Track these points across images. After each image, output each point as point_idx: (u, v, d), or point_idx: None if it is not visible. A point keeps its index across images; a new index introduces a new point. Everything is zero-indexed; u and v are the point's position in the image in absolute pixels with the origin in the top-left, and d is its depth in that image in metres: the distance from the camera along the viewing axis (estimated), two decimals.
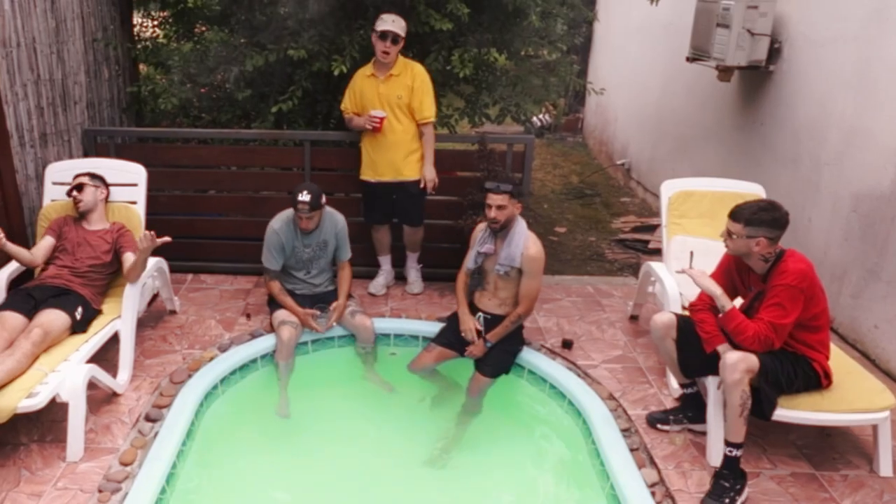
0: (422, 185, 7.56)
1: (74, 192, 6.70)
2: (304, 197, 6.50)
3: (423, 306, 7.97)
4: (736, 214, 5.23)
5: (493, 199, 6.17)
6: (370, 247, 8.19)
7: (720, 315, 5.30)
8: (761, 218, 5.15)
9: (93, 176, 6.87)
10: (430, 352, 6.73)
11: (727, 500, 5.06)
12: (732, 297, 5.56)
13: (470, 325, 6.55)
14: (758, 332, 5.11)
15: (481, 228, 6.58)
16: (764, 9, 8.38)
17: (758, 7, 8.36)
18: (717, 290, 5.31)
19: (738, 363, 5.07)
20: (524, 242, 6.28)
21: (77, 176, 6.83)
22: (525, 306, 6.43)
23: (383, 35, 7.21)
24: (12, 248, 6.25)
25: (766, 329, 5.11)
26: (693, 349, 5.65)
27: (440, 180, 7.77)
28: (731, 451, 5.16)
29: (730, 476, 5.14)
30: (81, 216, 6.74)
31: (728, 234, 5.30)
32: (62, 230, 6.67)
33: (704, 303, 5.59)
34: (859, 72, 7.33)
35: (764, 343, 5.12)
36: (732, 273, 5.62)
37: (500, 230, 6.32)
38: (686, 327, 5.74)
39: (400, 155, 7.57)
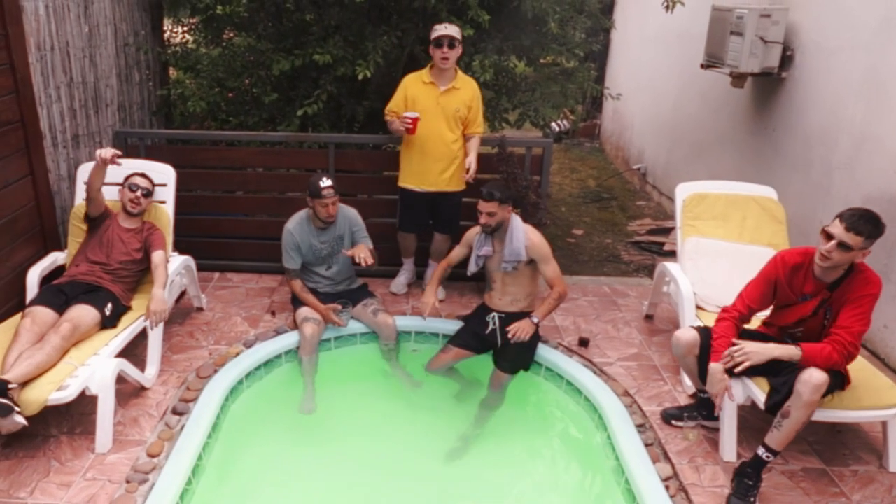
0: (468, 172, 7.38)
1: (139, 194, 6.66)
2: (327, 182, 6.53)
3: (444, 305, 7.92)
4: (859, 225, 4.86)
5: (483, 206, 6.24)
6: (394, 247, 8.13)
7: (801, 358, 5.01)
8: (879, 231, 4.96)
9: (150, 180, 6.82)
10: (447, 353, 6.70)
11: (752, 499, 5.03)
12: (769, 304, 5.52)
13: (430, 300, 6.69)
14: (842, 353, 4.96)
15: (476, 232, 6.59)
16: (776, 17, 8.34)
17: (770, 16, 8.33)
18: (787, 352, 5.07)
19: (821, 386, 4.87)
20: (524, 235, 6.33)
21: (139, 175, 6.78)
22: (558, 287, 6.44)
23: (438, 42, 7.07)
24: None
25: (846, 344, 4.96)
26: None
27: (463, 191, 7.75)
28: (767, 456, 5.07)
29: (753, 475, 5.10)
30: (126, 214, 6.70)
31: (840, 247, 4.89)
32: (109, 214, 6.66)
33: (735, 314, 5.44)
34: (869, 79, 7.29)
35: (849, 358, 5.04)
36: (779, 281, 5.36)
37: (495, 231, 6.36)
38: (708, 343, 5.49)
39: (449, 166, 7.45)
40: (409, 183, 7.64)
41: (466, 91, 7.36)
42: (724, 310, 5.54)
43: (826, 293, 5.17)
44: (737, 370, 5.03)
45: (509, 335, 6.38)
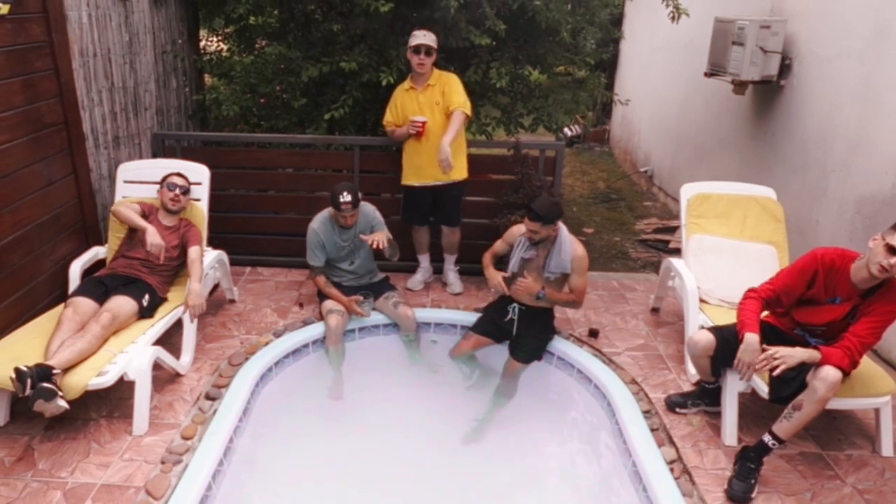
0: (442, 161, 7.13)
1: (178, 192, 6.67)
2: (346, 198, 6.47)
3: (462, 298, 7.92)
4: None
5: (528, 224, 6.12)
6: (409, 244, 8.10)
7: (819, 361, 4.87)
8: None
9: (188, 180, 6.84)
10: (469, 339, 6.70)
11: (752, 481, 5.00)
12: (797, 297, 5.25)
13: (497, 279, 6.43)
14: (851, 360, 4.90)
15: (520, 231, 6.44)
16: (776, 28, 8.35)
17: (770, 27, 8.34)
18: (811, 355, 4.87)
19: (836, 384, 4.80)
20: (571, 248, 6.25)
21: (177, 175, 6.80)
22: (578, 297, 6.40)
23: (416, 49, 7.14)
24: (132, 216, 6.37)
25: (855, 353, 4.90)
26: (725, 360, 5.45)
27: (478, 182, 7.81)
28: (773, 444, 5.04)
29: (755, 459, 5.07)
30: (167, 212, 6.71)
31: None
32: (149, 215, 6.61)
33: (763, 297, 5.26)
34: (864, 86, 7.26)
35: (854, 365, 4.99)
36: (817, 277, 5.09)
37: (540, 243, 6.28)
38: (724, 344, 5.45)
39: (436, 160, 7.31)
40: (409, 180, 7.67)
41: (439, 83, 7.36)
42: (752, 290, 5.34)
43: (858, 299, 5.01)
44: (774, 373, 4.88)
45: (515, 285, 6.36)
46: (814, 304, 5.23)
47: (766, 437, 5.06)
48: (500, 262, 6.71)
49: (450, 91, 7.29)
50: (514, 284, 6.33)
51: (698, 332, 5.77)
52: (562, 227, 6.30)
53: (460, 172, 7.56)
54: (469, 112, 7.30)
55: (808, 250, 5.21)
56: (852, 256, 5.00)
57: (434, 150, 7.22)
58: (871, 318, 4.92)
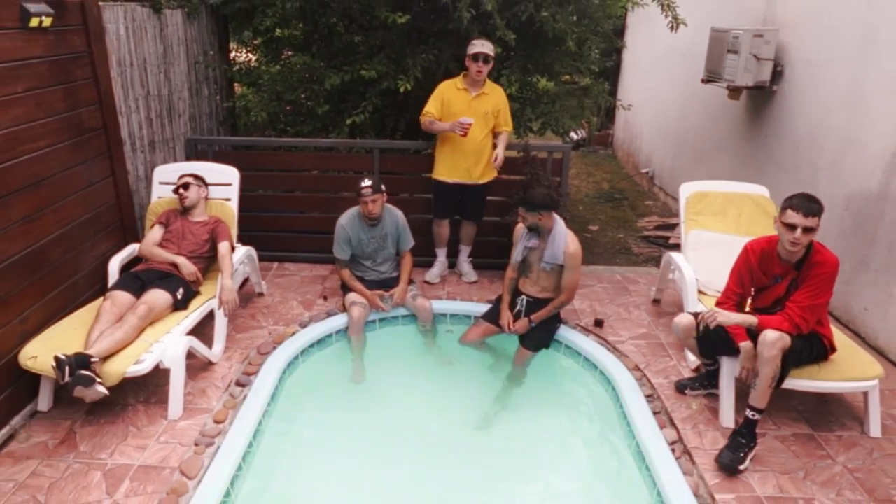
0: (496, 162, 7.43)
1: (181, 190, 6.72)
2: (367, 182, 6.61)
3: (475, 290, 7.90)
4: (814, 208, 4.99)
5: (521, 212, 6.26)
6: (428, 240, 8.09)
7: (757, 326, 5.12)
8: (821, 207, 5.07)
9: (196, 177, 6.89)
10: (478, 326, 6.79)
11: (741, 454, 5.03)
12: (750, 288, 5.57)
13: (505, 319, 6.58)
14: (791, 324, 5.07)
15: (523, 228, 6.51)
16: (768, 37, 8.38)
17: (763, 36, 8.37)
18: (745, 319, 5.19)
19: (776, 341, 4.98)
20: (564, 241, 6.26)
21: (183, 176, 6.85)
22: (566, 295, 6.46)
23: (475, 57, 7.13)
24: (161, 253, 6.45)
25: (794, 317, 5.09)
26: (710, 340, 5.60)
27: (490, 182, 7.79)
28: (753, 415, 5.15)
29: (747, 435, 5.14)
30: (185, 210, 6.76)
31: (806, 231, 4.98)
32: (169, 220, 6.69)
33: (731, 301, 5.56)
34: (851, 90, 7.28)
35: (798, 328, 5.09)
36: (752, 267, 5.44)
37: (538, 230, 6.34)
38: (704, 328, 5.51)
39: (478, 161, 7.50)
40: (441, 175, 7.66)
41: (494, 96, 7.43)
42: (721, 301, 5.60)
43: (794, 272, 5.26)
44: (711, 327, 5.15)
45: (508, 328, 6.56)
46: (764, 288, 5.50)
47: (747, 411, 5.18)
48: (495, 254, 6.74)
49: (504, 112, 7.50)
50: (514, 328, 6.55)
51: (679, 315, 5.88)
52: (558, 222, 6.34)
53: (485, 176, 7.66)
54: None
55: None
56: (777, 239, 5.27)
57: (472, 154, 7.46)
58: (807, 284, 5.16)
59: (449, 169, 7.60)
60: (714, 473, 5.02)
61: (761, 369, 5.05)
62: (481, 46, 7.13)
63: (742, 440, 5.10)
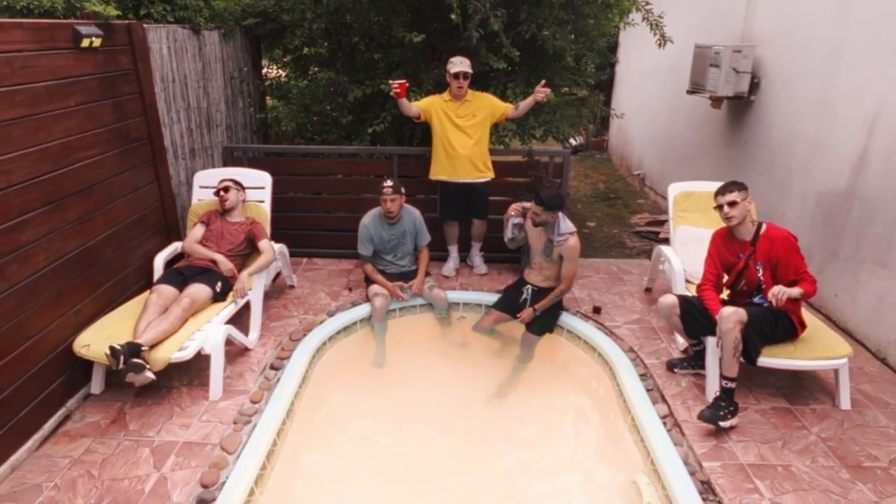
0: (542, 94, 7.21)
1: (222, 193, 6.72)
2: (388, 182, 6.66)
3: (486, 282, 7.86)
4: (729, 187, 5.42)
5: (534, 207, 6.24)
6: (441, 238, 8.06)
7: (800, 296, 5.19)
8: (742, 183, 5.44)
9: (235, 181, 6.87)
10: (490, 315, 6.75)
11: (721, 413, 5.13)
12: (721, 270, 5.72)
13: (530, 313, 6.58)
14: (813, 283, 5.25)
15: (512, 207, 6.70)
16: (746, 52, 8.36)
17: (741, 51, 8.36)
18: (795, 291, 5.17)
19: (731, 315, 5.14)
20: (565, 235, 6.27)
21: (223, 180, 6.83)
22: (566, 284, 6.45)
23: (456, 76, 7.09)
24: (201, 250, 6.45)
25: (810, 280, 5.25)
26: (693, 319, 5.73)
27: (497, 184, 7.79)
28: (726, 384, 5.22)
29: (725, 399, 5.20)
30: (225, 211, 6.75)
31: (732, 205, 5.37)
32: (210, 220, 6.69)
33: (709, 282, 5.69)
34: (820, 99, 7.28)
35: (814, 283, 5.25)
36: (719, 248, 5.68)
37: (544, 225, 6.34)
38: (686, 305, 5.78)
39: (471, 161, 7.42)
40: (442, 176, 7.60)
41: (476, 101, 7.34)
42: (701, 284, 5.75)
43: (750, 248, 5.45)
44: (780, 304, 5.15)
45: (518, 317, 6.58)
46: (731, 266, 5.64)
47: (721, 381, 5.26)
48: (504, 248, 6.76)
49: (495, 104, 7.39)
50: (521, 317, 6.57)
51: (664, 295, 5.96)
52: (561, 217, 6.33)
53: (488, 172, 7.60)
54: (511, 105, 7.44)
55: None
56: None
57: (461, 157, 7.38)
58: (790, 261, 5.32)
59: (447, 171, 7.54)
60: (701, 444, 5.04)
61: (723, 341, 5.18)
62: (460, 65, 7.11)
63: (722, 403, 5.17)
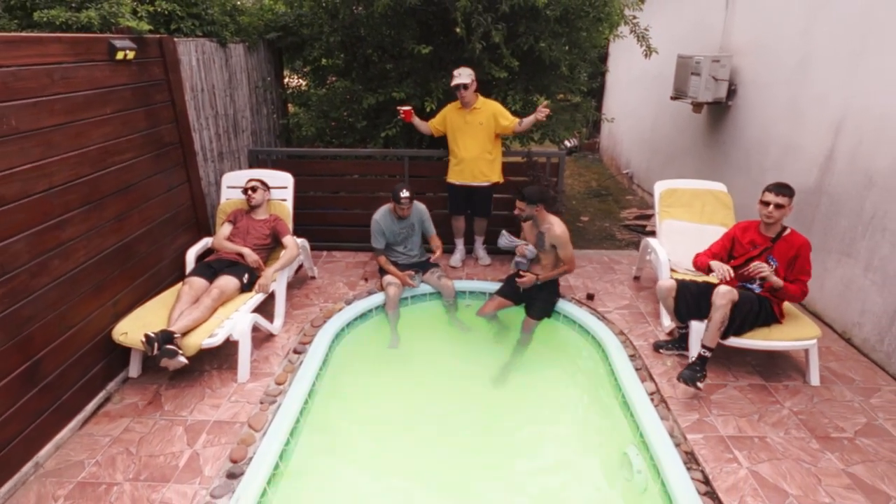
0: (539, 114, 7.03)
1: (249, 192, 6.68)
2: (405, 194, 6.58)
3: (490, 272, 7.82)
4: (783, 190, 5.31)
5: (517, 202, 6.22)
6: (448, 232, 8.05)
7: (780, 289, 5.33)
8: (793, 190, 5.33)
9: (262, 181, 6.82)
10: (493, 301, 6.69)
11: (696, 374, 5.23)
12: (728, 257, 5.71)
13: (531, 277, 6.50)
14: (804, 290, 5.33)
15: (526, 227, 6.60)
16: (724, 62, 8.41)
17: (720, 61, 8.41)
18: (777, 281, 5.30)
19: (726, 294, 5.24)
20: (550, 226, 6.25)
21: (251, 180, 6.79)
22: (569, 265, 6.39)
23: (457, 87, 7.05)
24: (230, 245, 6.40)
25: (804, 286, 5.32)
26: (684, 303, 5.74)
27: (498, 183, 7.70)
28: (704, 352, 5.31)
29: (699, 365, 5.30)
30: (251, 209, 6.72)
31: (779, 207, 5.29)
32: (236, 219, 6.65)
33: (708, 252, 5.75)
34: (791, 105, 7.30)
35: (804, 294, 5.35)
36: (736, 237, 5.66)
37: (531, 219, 6.35)
38: (682, 289, 5.77)
39: (478, 167, 7.40)
40: (451, 178, 7.63)
41: (485, 108, 7.24)
42: (700, 253, 5.79)
43: (769, 244, 5.45)
44: (758, 278, 5.36)
45: (518, 281, 6.46)
46: (743, 254, 5.60)
47: (700, 349, 5.34)
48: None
49: (502, 113, 7.23)
50: (521, 280, 6.44)
51: (663, 279, 6.09)
52: (549, 215, 6.32)
53: (492, 177, 7.55)
54: (513, 121, 7.22)
55: None
56: (758, 222, 5.55)
57: (470, 162, 7.40)
58: (801, 261, 5.33)
59: (456, 174, 7.55)
60: (686, 418, 5.08)
61: (713, 315, 5.25)
62: (458, 77, 7.05)
63: (697, 367, 5.27)
